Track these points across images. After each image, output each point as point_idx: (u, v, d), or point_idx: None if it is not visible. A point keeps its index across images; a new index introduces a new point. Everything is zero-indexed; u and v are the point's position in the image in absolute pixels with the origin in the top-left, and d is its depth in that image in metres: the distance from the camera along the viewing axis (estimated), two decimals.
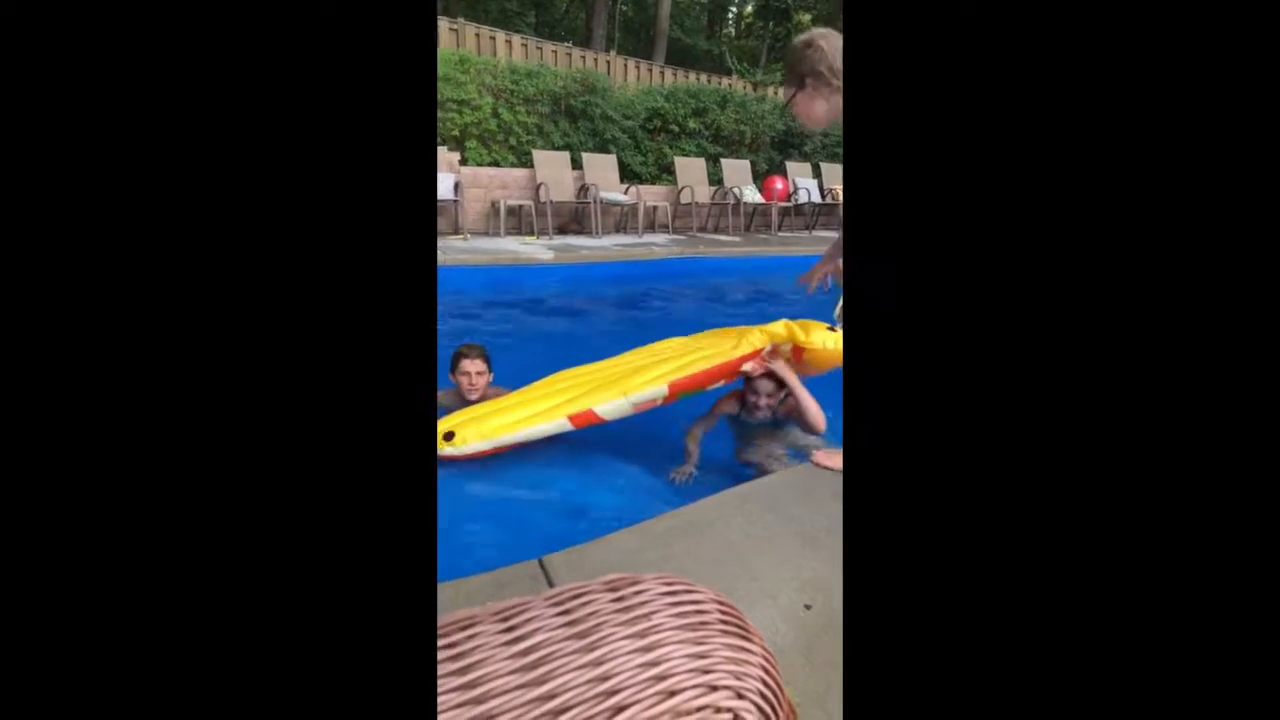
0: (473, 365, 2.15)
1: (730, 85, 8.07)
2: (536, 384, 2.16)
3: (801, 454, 1.95)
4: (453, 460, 1.79)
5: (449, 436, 1.78)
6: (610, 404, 1.89)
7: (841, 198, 7.26)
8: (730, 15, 14.37)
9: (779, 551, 1.33)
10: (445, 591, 1.33)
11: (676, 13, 11.85)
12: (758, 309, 4.52)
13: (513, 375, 2.33)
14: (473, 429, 1.82)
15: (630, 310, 3.31)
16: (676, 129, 7.02)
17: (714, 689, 0.38)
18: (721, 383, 2.10)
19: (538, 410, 1.90)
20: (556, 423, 1.87)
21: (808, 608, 1.16)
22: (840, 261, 1.71)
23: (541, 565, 1.38)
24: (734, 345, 2.09)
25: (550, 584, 1.34)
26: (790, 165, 7.50)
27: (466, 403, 2.12)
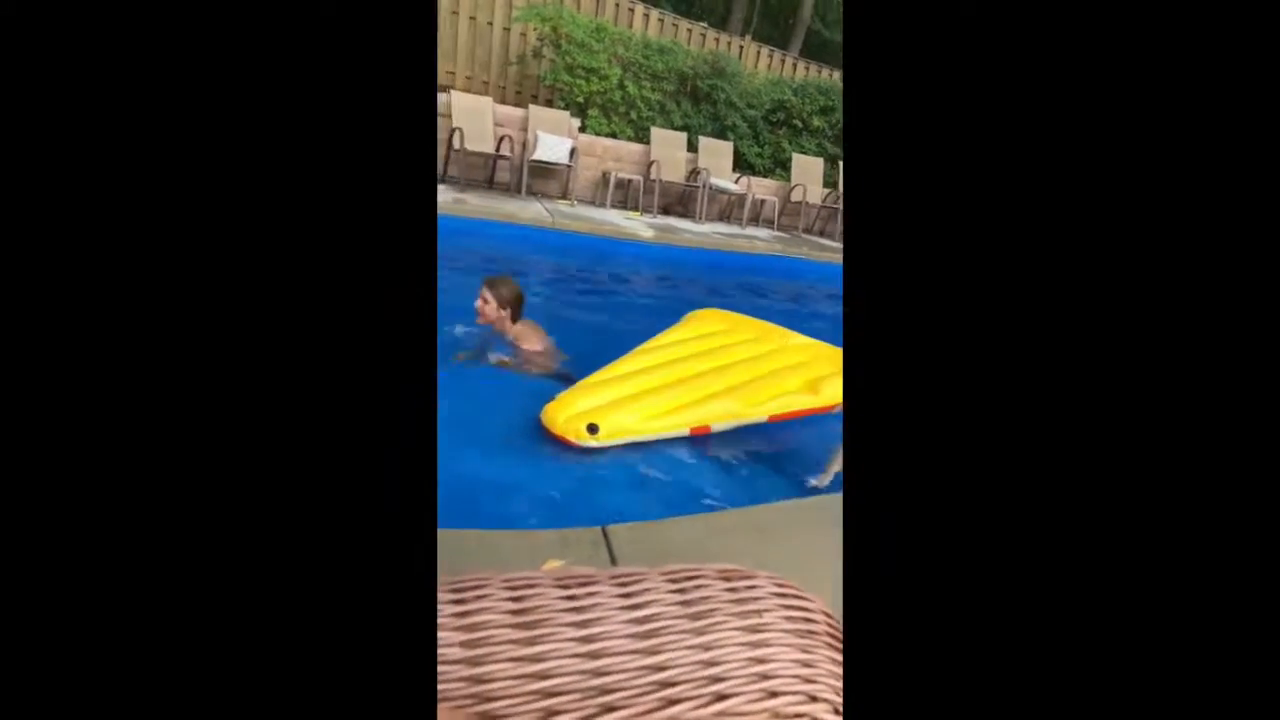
0: (480, 297, 2.23)
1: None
2: (637, 357, 2.23)
3: None
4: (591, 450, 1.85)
5: (593, 429, 1.82)
6: (725, 423, 2.01)
7: None
8: None
9: (822, 568, 1.30)
10: (507, 539, 1.38)
11: (820, 3, 11.43)
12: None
13: (589, 348, 2.40)
14: (612, 422, 1.87)
15: (719, 300, 3.29)
16: (800, 125, 6.83)
17: (814, 700, 0.38)
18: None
19: (666, 409, 1.97)
20: (679, 431, 1.95)
21: None
22: None
23: (605, 534, 1.41)
24: (821, 382, 2.22)
25: (611, 554, 1.37)
26: None
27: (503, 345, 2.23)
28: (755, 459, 2.08)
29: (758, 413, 2.08)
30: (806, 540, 1.39)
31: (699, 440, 2.01)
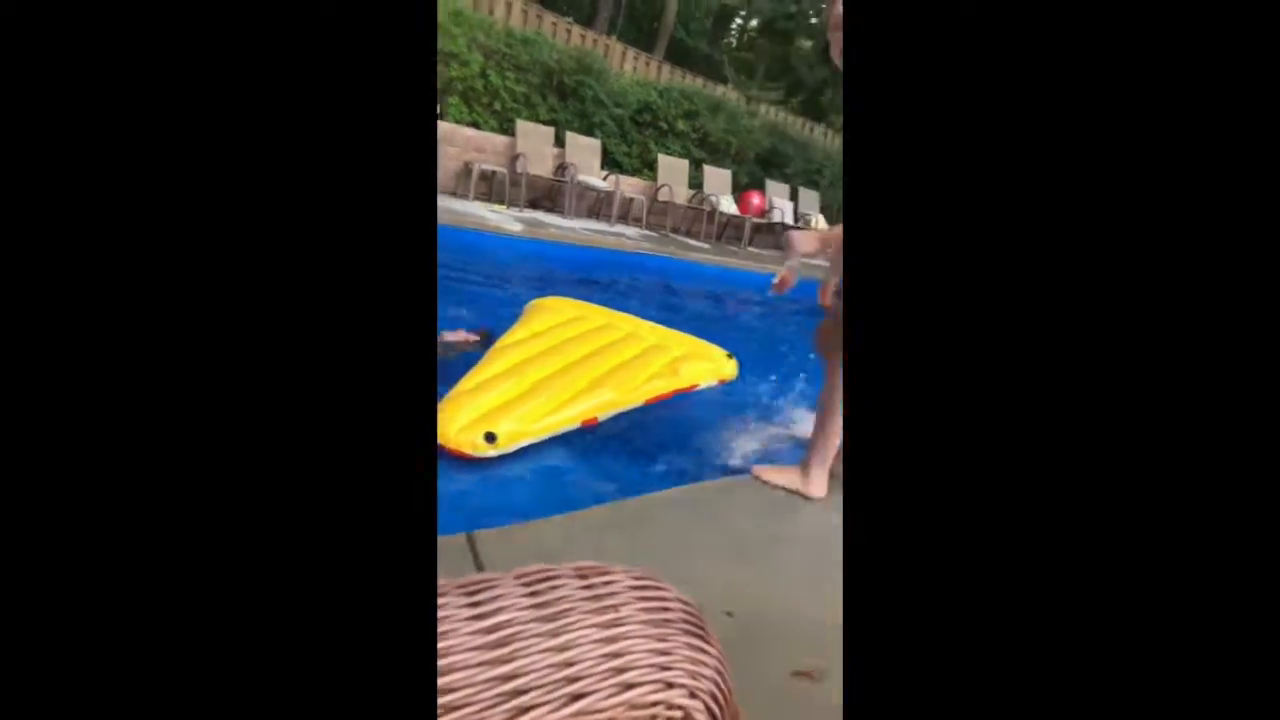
0: None
1: (724, 94, 8.13)
2: (503, 354, 2.18)
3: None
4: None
5: (490, 438, 1.71)
6: (609, 412, 2.02)
7: (814, 224, 7.44)
8: (735, 26, 14.46)
9: (709, 558, 1.35)
10: None
11: (683, 10, 11.81)
12: (718, 316, 4.58)
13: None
14: (507, 427, 1.77)
15: (589, 296, 3.31)
16: (665, 127, 7.02)
17: (670, 686, 0.39)
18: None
19: (554, 405, 1.93)
20: (571, 426, 1.92)
21: (729, 615, 1.19)
22: (794, 261, 1.72)
23: (470, 540, 1.36)
24: (679, 362, 2.31)
25: (478, 560, 1.32)
26: (770, 184, 7.62)
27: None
28: (635, 447, 2.11)
29: (636, 398, 2.11)
30: (680, 529, 1.43)
31: (585, 433, 2.00)
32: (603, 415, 2.03)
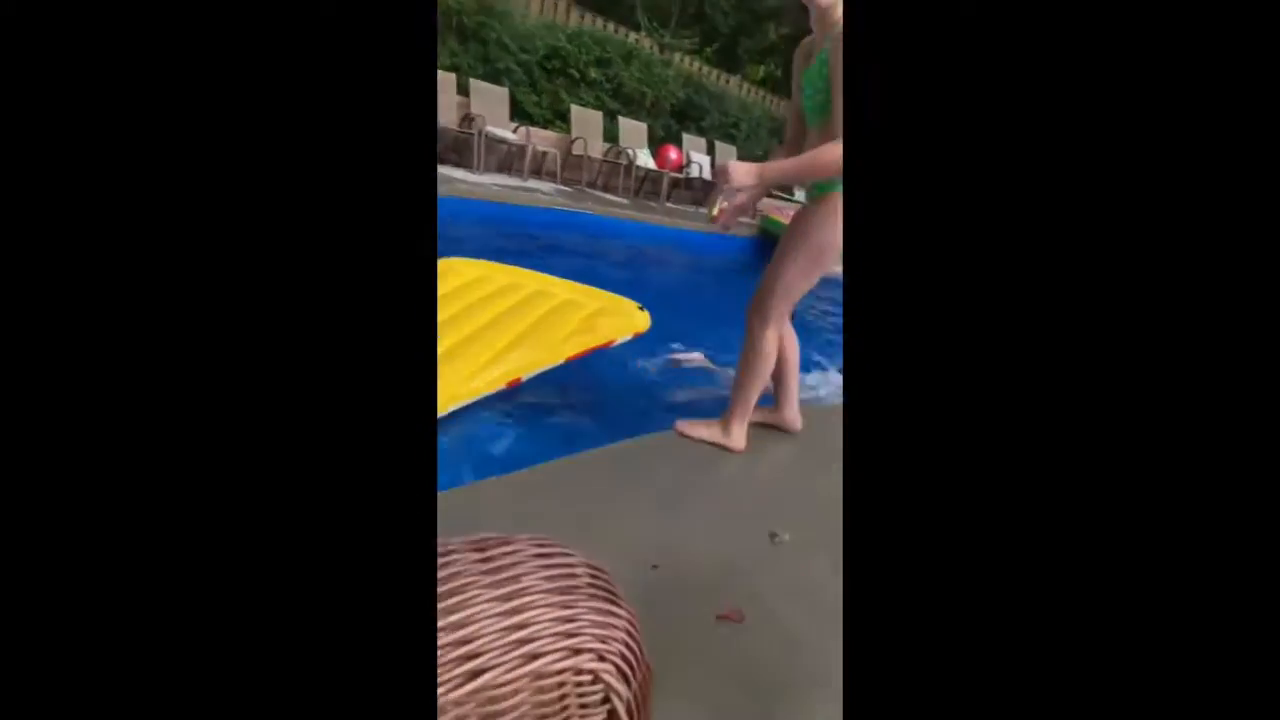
0: None
1: (638, 41, 7.91)
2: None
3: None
4: None
5: None
6: (532, 372, 1.96)
7: None
8: None
9: (634, 512, 1.37)
10: None
11: None
12: (639, 273, 4.56)
13: None
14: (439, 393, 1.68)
15: (504, 255, 3.19)
16: (577, 75, 6.76)
17: (578, 652, 0.38)
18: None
19: (477, 367, 1.85)
20: (497, 388, 1.85)
21: (655, 568, 1.21)
22: (729, 193, 1.62)
23: None
24: (594, 318, 2.29)
25: None
26: (686, 137, 7.55)
27: None
28: (556, 407, 2.08)
29: (556, 356, 2.08)
30: (605, 488, 1.43)
31: (506, 396, 1.95)
32: (526, 375, 1.99)
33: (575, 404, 2.18)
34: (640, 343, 2.53)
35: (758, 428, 1.84)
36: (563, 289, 2.56)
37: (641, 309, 2.56)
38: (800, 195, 9.37)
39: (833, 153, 1.33)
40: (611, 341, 2.35)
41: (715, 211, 1.81)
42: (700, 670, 0.97)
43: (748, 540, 1.36)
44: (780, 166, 1.44)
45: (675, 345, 2.84)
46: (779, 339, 1.65)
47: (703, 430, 1.74)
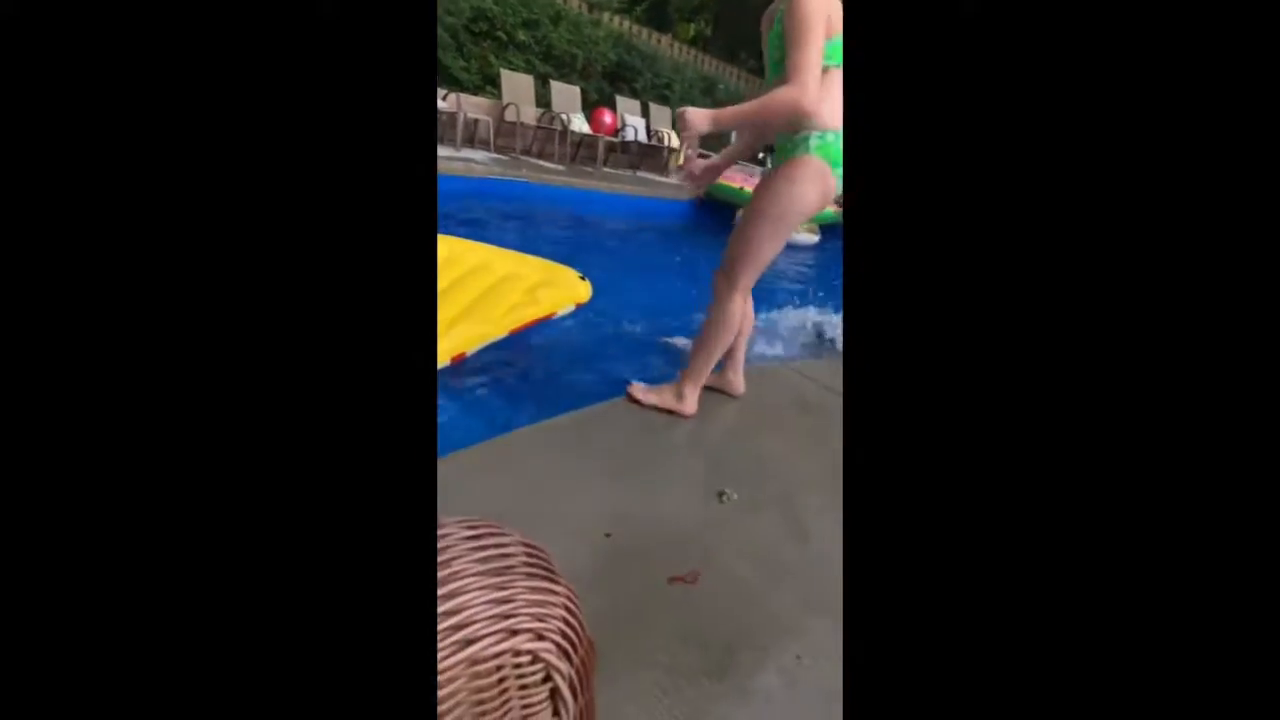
0: None
1: (565, 1, 7.63)
2: None
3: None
4: None
5: None
6: (476, 346, 1.92)
7: (668, 140, 7.39)
8: None
9: (584, 484, 1.36)
10: None
11: None
12: (578, 242, 4.49)
13: None
14: None
15: (444, 228, 3.08)
16: (504, 37, 6.49)
17: (514, 633, 0.37)
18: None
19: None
20: (444, 364, 1.79)
21: (607, 536, 1.22)
22: (693, 141, 1.52)
23: None
24: (536, 290, 2.25)
25: None
26: (620, 100, 7.40)
27: None
28: (501, 379, 2.05)
29: (499, 329, 2.05)
30: (554, 460, 1.42)
31: (450, 372, 1.90)
32: (470, 350, 1.95)
33: (520, 376, 2.15)
34: (581, 312, 2.50)
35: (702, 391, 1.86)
36: (504, 261, 2.50)
37: (583, 278, 2.52)
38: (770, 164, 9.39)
39: (785, 95, 1.32)
40: (554, 313, 2.31)
41: (681, 160, 1.79)
42: (656, 633, 0.99)
43: (697, 502, 1.38)
44: (735, 109, 1.41)
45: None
46: (743, 305, 1.64)
47: (654, 396, 1.74)
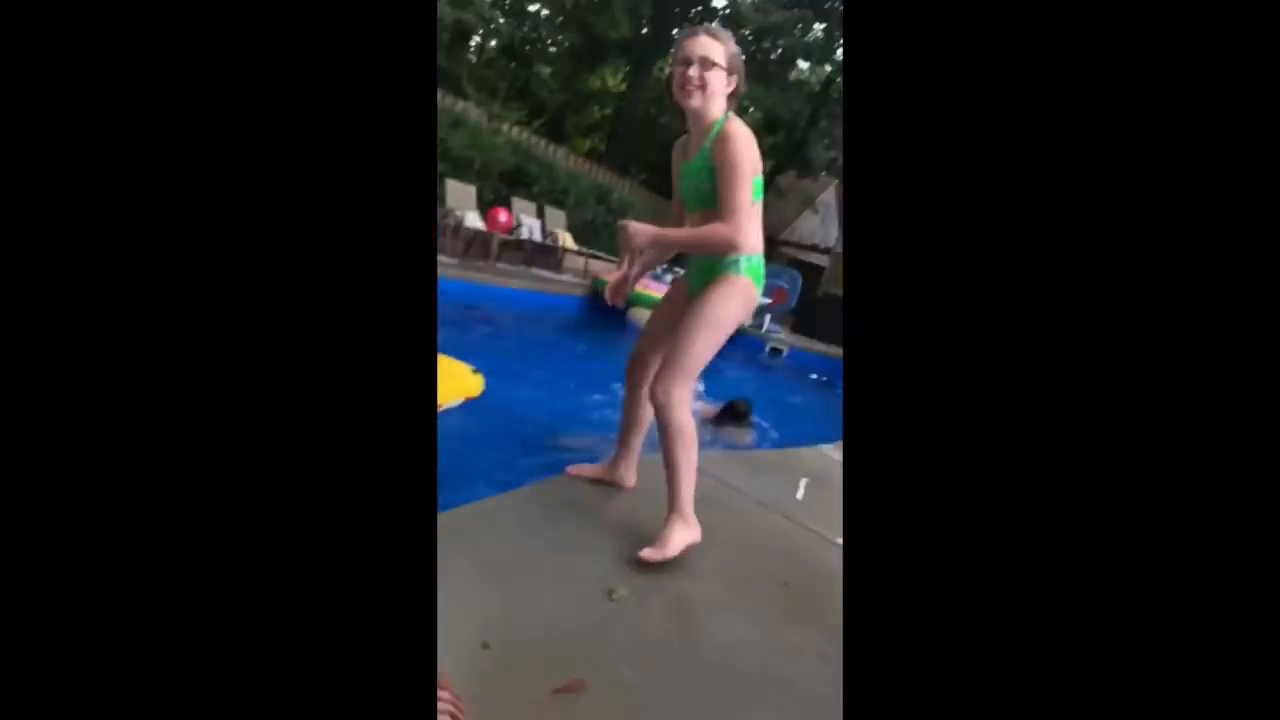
0: None
1: (465, 109, 7.95)
2: None
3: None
4: None
5: None
6: None
7: (561, 242, 7.64)
8: (473, 45, 14.34)
9: (460, 588, 1.24)
10: None
11: None
12: (470, 334, 4.40)
13: None
14: None
15: None
16: None
17: None
18: None
19: None
20: None
21: (485, 646, 1.10)
22: (633, 256, 1.72)
23: None
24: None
25: None
26: (516, 201, 7.64)
27: None
28: None
29: None
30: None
31: None
32: None
33: None
34: (471, 405, 2.40)
35: (588, 484, 1.81)
36: None
37: (475, 372, 2.45)
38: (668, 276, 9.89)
39: (723, 232, 1.50)
40: (440, 406, 2.20)
41: (613, 281, 1.89)
42: None
43: (583, 602, 1.29)
44: (675, 233, 1.62)
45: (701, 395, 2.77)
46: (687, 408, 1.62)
47: (594, 471, 1.72)
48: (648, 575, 1.41)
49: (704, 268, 1.63)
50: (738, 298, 1.59)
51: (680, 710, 1.03)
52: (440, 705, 0.33)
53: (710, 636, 1.25)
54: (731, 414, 3.02)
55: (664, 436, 1.57)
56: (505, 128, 8.44)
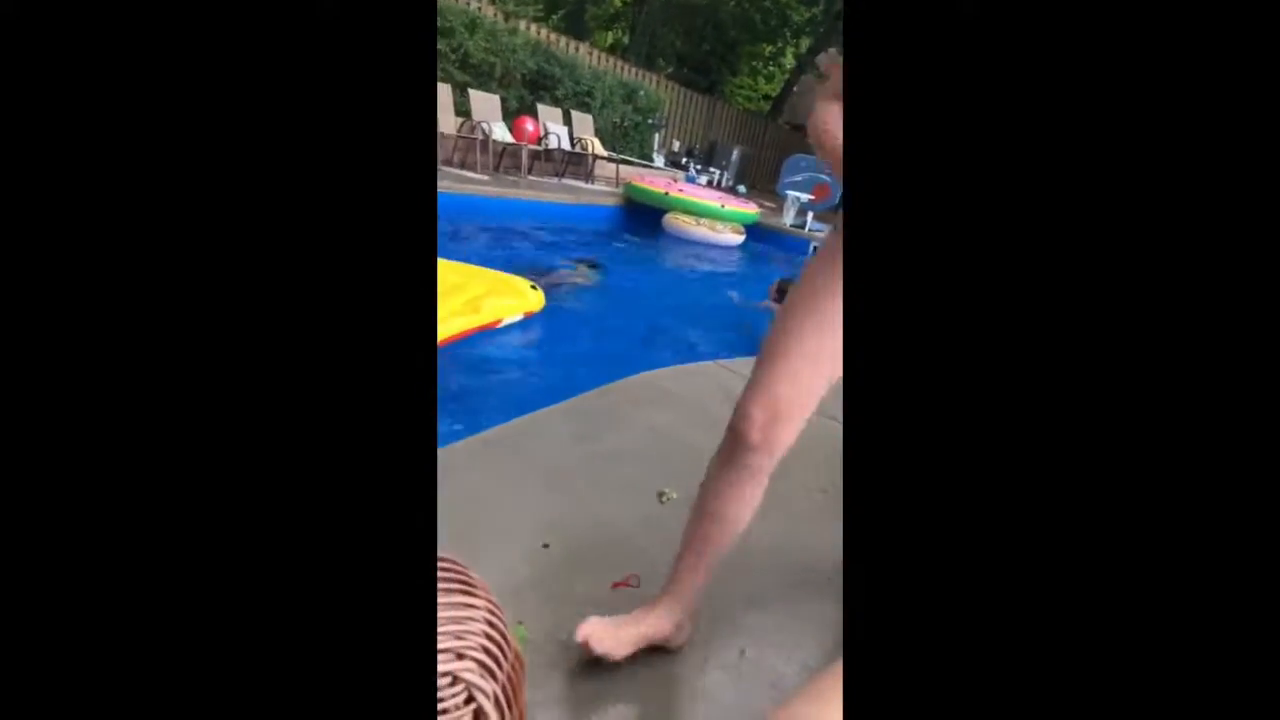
0: None
1: (479, 9, 7.52)
2: None
3: None
4: None
5: None
6: None
7: (590, 149, 7.39)
8: None
9: (520, 494, 1.33)
10: None
11: None
12: (508, 252, 4.42)
13: None
14: None
15: None
16: None
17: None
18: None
19: None
20: None
21: (545, 546, 1.19)
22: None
23: None
24: (479, 300, 2.21)
25: None
26: (541, 108, 7.35)
27: None
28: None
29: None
30: (490, 472, 1.38)
31: None
32: None
33: (451, 389, 2.08)
34: (526, 323, 2.46)
35: (638, 396, 1.86)
36: (454, 273, 2.43)
37: (535, 287, 2.49)
38: (659, 160, 9.45)
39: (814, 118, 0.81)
40: (499, 321, 2.26)
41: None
42: None
43: (637, 504, 1.37)
44: None
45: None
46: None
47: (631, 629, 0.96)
48: (696, 478, 1.48)
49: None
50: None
51: (729, 599, 1.11)
52: (474, 609, 0.37)
53: (755, 538, 1.32)
54: (780, 293, 3.07)
55: (751, 483, 0.93)
56: (523, 25, 7.98)
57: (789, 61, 13.47)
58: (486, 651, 0.36)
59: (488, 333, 2.27)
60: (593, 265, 3.98)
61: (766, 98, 14.31)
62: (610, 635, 0.90)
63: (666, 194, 6.20)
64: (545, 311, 2.56)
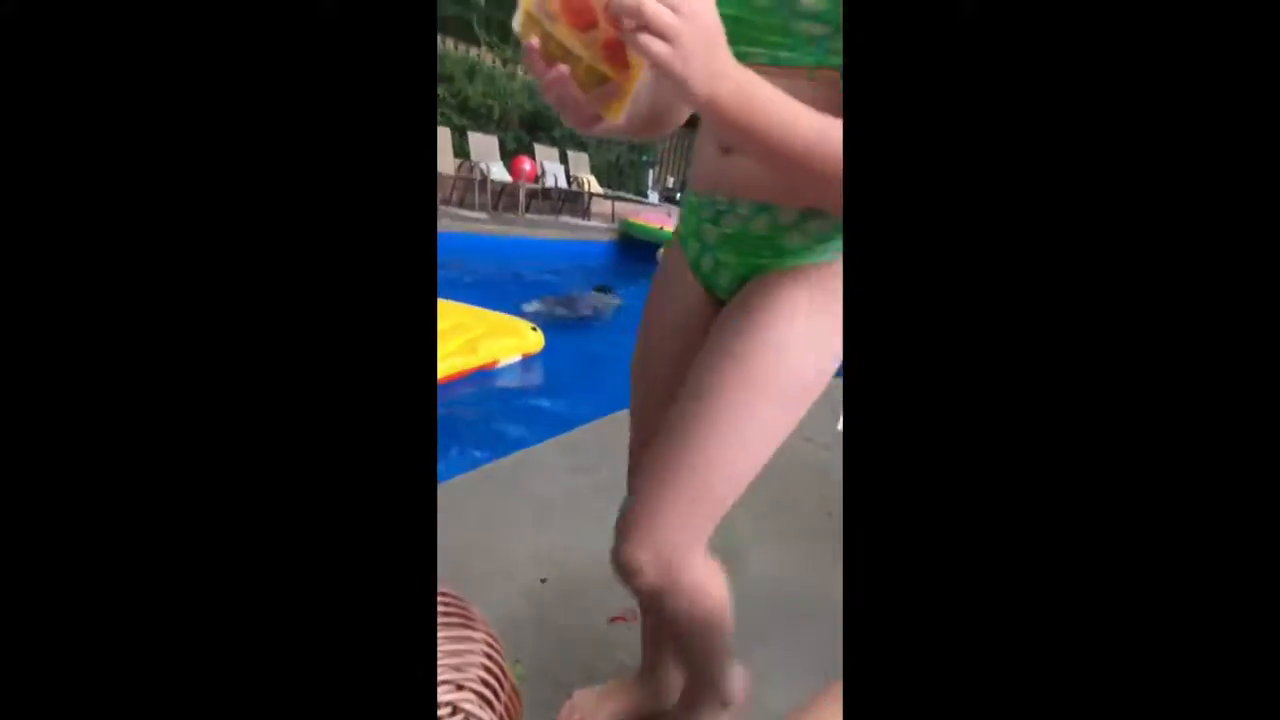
0: None
1: (479, 55, 7.75)
2: None
3: None
4: None
5: None
6: None
7: (587, 186, 7.53)
8: None
9: (516, 528, 1.33)
10: None
11: None
12: (505, 290, 4.47)
13: None
14: None
15: None
16: None
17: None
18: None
19: None
20: None
21: (543, 581, 1.19)
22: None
23: None
24: (477, 341, 2.25)
25: None
26: (539, 148, 7.52)
27: None
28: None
29: None
30: (483, 508, 1.38)
31: None
32: None
33: (451, 423, 2.09)
34: (526, 361, 2.47)
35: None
36: (455, 313, 2.46)
37: (535, 329, 2.51)
38: (654, 197, 9.58)
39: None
40: (495, 362, 2.28)
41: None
42: (601, 673, 0.96)
43: None
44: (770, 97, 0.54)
45: None
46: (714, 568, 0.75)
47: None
48: None
49: (773, 231, 0.66)
50: (833, 322, 0.66)
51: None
52: (473, 641, 0.38)
53: (757, 567, 1.32)
54: None
55: (672, 626, 0.76)
56: (520, 70, 8.21)
57: None
58: (485, 683, 0.37)
59: (484, 372, 2.29)
60: (606, 291, 4.05)
61: None
62: (597, 709, 0.92)
63: (662, 229, 6.31)
64: (547, 345, 2.58)
